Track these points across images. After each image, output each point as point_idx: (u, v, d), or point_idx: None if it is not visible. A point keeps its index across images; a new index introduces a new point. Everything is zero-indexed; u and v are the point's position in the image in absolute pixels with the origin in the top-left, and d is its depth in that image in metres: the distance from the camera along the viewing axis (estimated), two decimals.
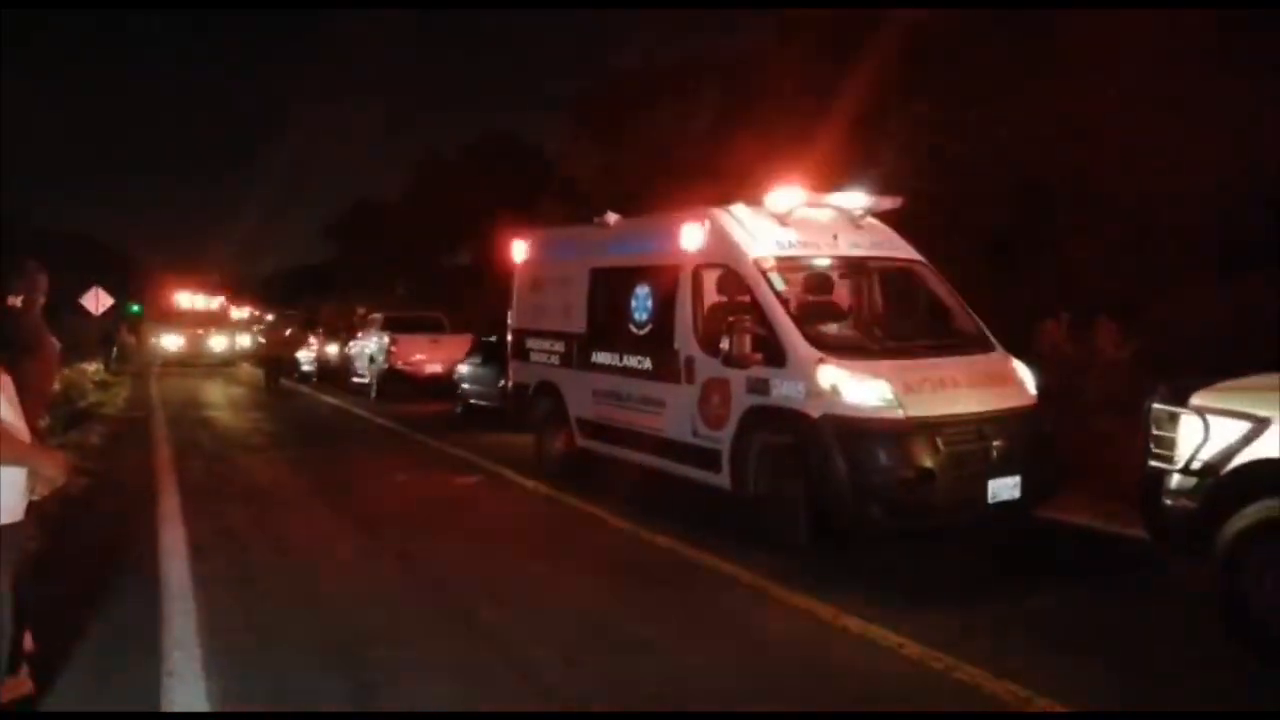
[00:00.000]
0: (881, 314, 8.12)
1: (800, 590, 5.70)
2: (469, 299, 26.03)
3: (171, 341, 34.76)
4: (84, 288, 24.18)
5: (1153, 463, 5.02)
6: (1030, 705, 4.12)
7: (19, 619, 3.88)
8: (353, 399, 19.31)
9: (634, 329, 8.28)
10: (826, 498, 6.29)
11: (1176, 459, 4.88)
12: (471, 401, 14.93)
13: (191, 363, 32.73)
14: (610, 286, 8.79)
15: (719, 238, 7.49)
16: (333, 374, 23.17)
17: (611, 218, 9.05)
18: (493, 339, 14.39)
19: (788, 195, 7.47)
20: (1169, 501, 4.92)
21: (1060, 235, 12.40)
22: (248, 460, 11.35)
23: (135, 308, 40.13)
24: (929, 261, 7.97)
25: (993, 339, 7.35)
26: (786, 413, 6.56)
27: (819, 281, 7.66)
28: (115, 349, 29.25)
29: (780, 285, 7.15)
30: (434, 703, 4.20)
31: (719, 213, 7.64)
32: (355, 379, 20.99)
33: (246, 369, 31.10)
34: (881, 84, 14.36)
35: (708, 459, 7.29)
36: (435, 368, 18.08)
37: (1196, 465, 4.78)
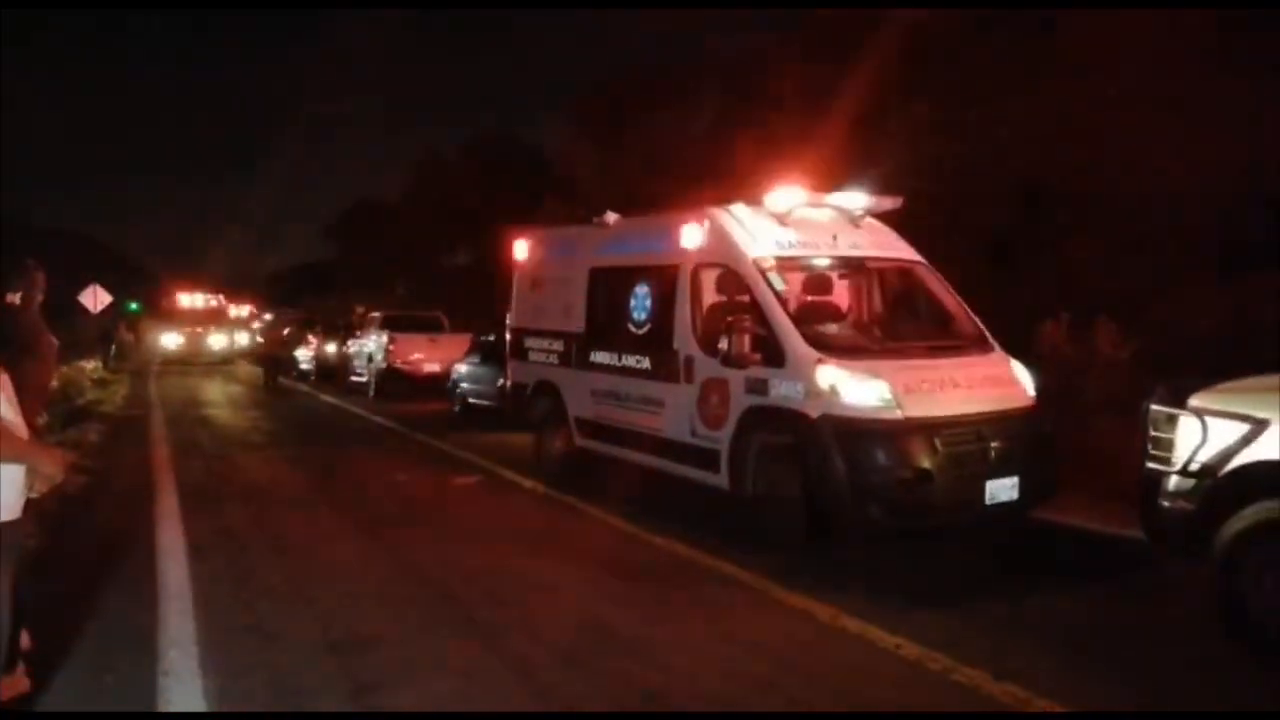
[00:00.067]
0: (880, 314, 8.12)
1: (799, 590, 5.70)
2: (468, 298, 26.03)
3: (170, 340, 34.77)
4: (82, 286, 24.16)
5: (1151, 464, 5.02)
6: (1029, 706, 4.12)
7: (17, 617, 3.88)
8: (351, 398, 19.30)
9: (633, 329, 8.28)
10: (825, 498, 6.29)
11: (1175, 460, 4.88)
12: (470, 401, 14.94)
13: (190, 361, 32.72)
14: (609, 286, 8.78)
15: (718, 237, 7.48)
16: (331, 373, 23.17)
17: (611, 217, 9.04)
18: (491, 338, 14.39)
19: (787, 195, 7.46)
20: (1167, 503, 4.92)
21: (1060, 235, 12.41)
22: (246, 459, 11.34)
23: (134, 305, 40.14)
24: (928, 262, 7.97)
25: (992, 340, 7.35)
26: (785, 413, 6.56)
27: (818, 282, 7.66)
28: (114, 347, 29.24)
29: (779, 285, 7.14)
30: (433, 703, 4.20)
31: (718, 212, 7.64)
32: (354, 378, 20.99)
33: (245, 367, 31.08)
34: (881, 84, 14.37)
35: (706, 459, 7.28)
36: (433, 367, 18.09)
37: (1195, 467, 4.78)
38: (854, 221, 7.80)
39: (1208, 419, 4.74)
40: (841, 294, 8.04)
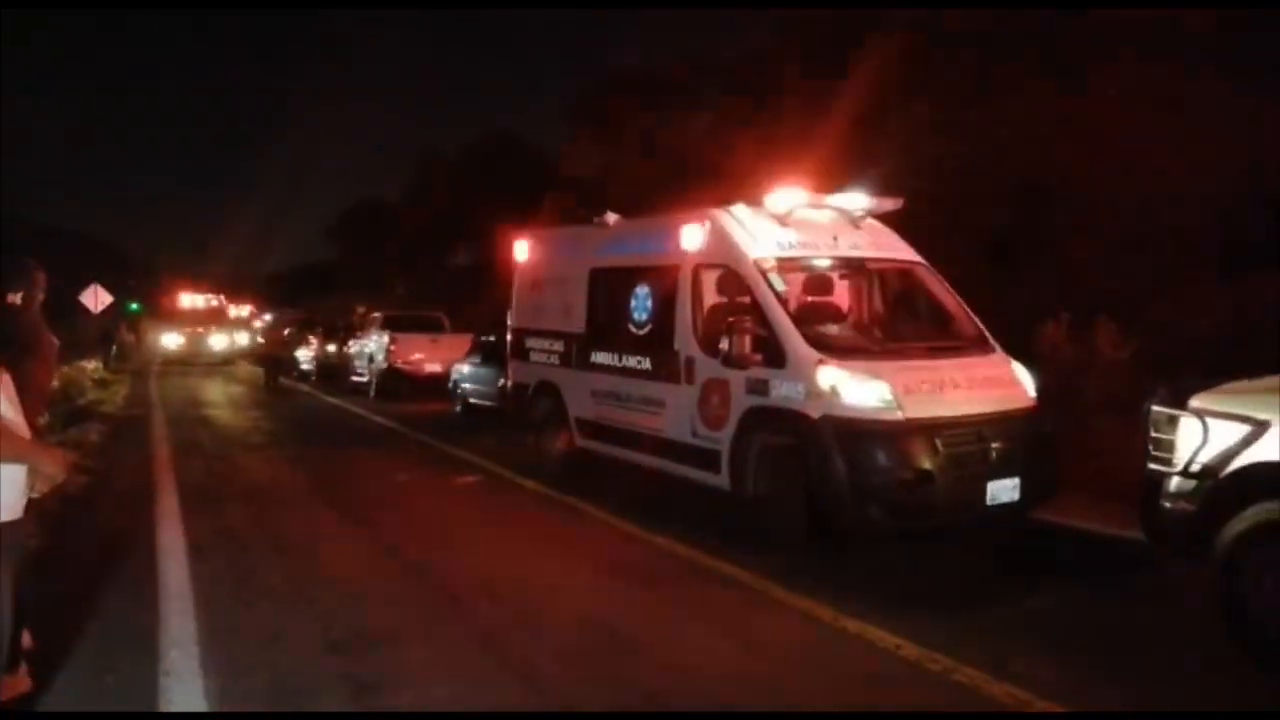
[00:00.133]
0: (881, 315, 8.12)
1: (799, 591, 5.70)
2: (469, 298, 26.03)
3: (171, 340, 34.79)
4: (83, 286, 24.17)
5: (1152, 465, 5.01)
6: (1030, 707, 4.12)
7: (18, 617, 3.88)
8: (352, 398, 19.31)
9: (634, 329, 8.28)
10: (826, 498, 6.29)
11: (1175, 461, 4.87)
12: (471, 401, 14.94)
13: (191, 361, 32.73)
14: (610, 286, 8.79)
15: (719, 238, 7.48)
16: (332, 373, 23.18)
17: (611, 218, 9.05)
18: (492, 339, 14.40)
19: (788, 196, 7.47)
20: (1168, 504, 4.92)
21: (1060, 235, 12.40)
22: (247, 459, 11.34)
23: (134, 306, 40.17)
24: (929, 262, 7.97)
25: (992, 340, 7.35)
26: (786, 413, 6.56)
27: (819, 282, 7.66)
28: (114, 347, 29.25)
29: (780, 286, 7.14)
30: (433, 703, 4.20)
31: (719, 213, 7.64)
32: (354, 378, 21.00)
33: (246, 368, 31.08)
34: (881, 84, 14.37)
35: (707, 459, 7.28)
36: (434, 367, 18.09)
37: (1195, 468, 4.77)
38: (854, 222, 7.80)
39: (1209, 420, 4.73)
40: (842, 295, 8.04)
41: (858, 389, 6.29)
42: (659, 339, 7.91)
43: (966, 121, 13.45)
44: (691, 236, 7.68)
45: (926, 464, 6.09)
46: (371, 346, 20.07)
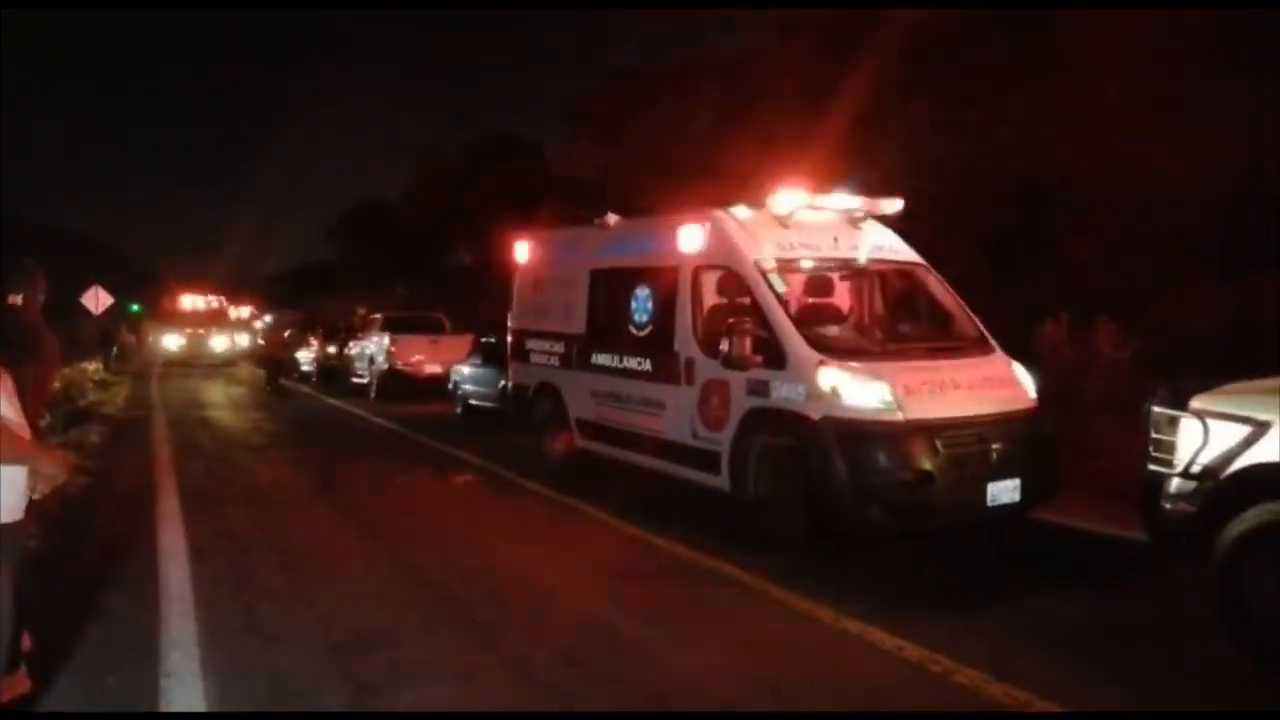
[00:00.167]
0: (881, 316, 8.12)
1: (800, 592, 5.70)
2: (468, 299, 26.03)
3: (172, 341, 34.76)
4: (84, 287, 24.18)
5: (1152, 466, 5.01)
6: (1030, 707, 4.12)
7: (18, 618, 3.88)
8: (352, 399, 19.31)
9: (634, 330, 8.28)
10: (826, 500, 6.29)
11: (1176, 462, 4.87)
12: (471, 402, 14.95)
13: (192, 362, 32.71)
14: (610, 288, 8.79)
15: (719, 239, 7.48)
16: (332, 374, 23.19)
17: (612, 219, 9.05)
18: (492, 340, 14.40)
19: (788, 197, 7.46)
20: (1168, 505, 4.91)
21: (1060, 235, 12.40)
22: (248, 460, 11.35)
23: (135, 307, 40.15)
24: (928, 262, 7.97)
25: (992, 341, 7.35)
26: (786, 415, 6.56)
27: (819, 283, 7.66)
28: (115, 348, 29.25)
29: (780, 287, 7.14)
30: (433, 703, 4.20)
31: (719, 214, 7.64)
32: (355, 379, 21.00)
33: (246, 369, 31.08)
34: (881, 84, 14.36)
35: (707, 461, 7.28)
36: (435, 368, 18.09)
37: (1196, 469, 4.77)
38: (855, 223, 7.80)
39: (1209, 421, 4.73)
40: (842, 296, 8.04)
41: (858, 390, 6.29)
42: (659, 340, 7.91)
43: (966, 121, 13.44)
44: (692, 237, 7.68)
45: (927, 465, 6.09)
46: (372, 348, 20.07)
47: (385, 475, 10.26)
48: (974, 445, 6.29)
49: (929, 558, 6.65)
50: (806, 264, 7.56)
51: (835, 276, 7.83)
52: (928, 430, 6.19)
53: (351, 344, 21.95)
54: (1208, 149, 10.95)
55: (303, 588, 5.93)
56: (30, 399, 4.01)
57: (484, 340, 15.22)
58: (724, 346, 6.92)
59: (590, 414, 8.87)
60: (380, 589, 5.93)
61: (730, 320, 6.95)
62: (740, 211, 7.65)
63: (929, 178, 12.84)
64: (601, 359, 8.68)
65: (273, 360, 23.40)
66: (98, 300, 24.14)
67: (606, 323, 8.76)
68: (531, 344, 9.95)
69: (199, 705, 4.16)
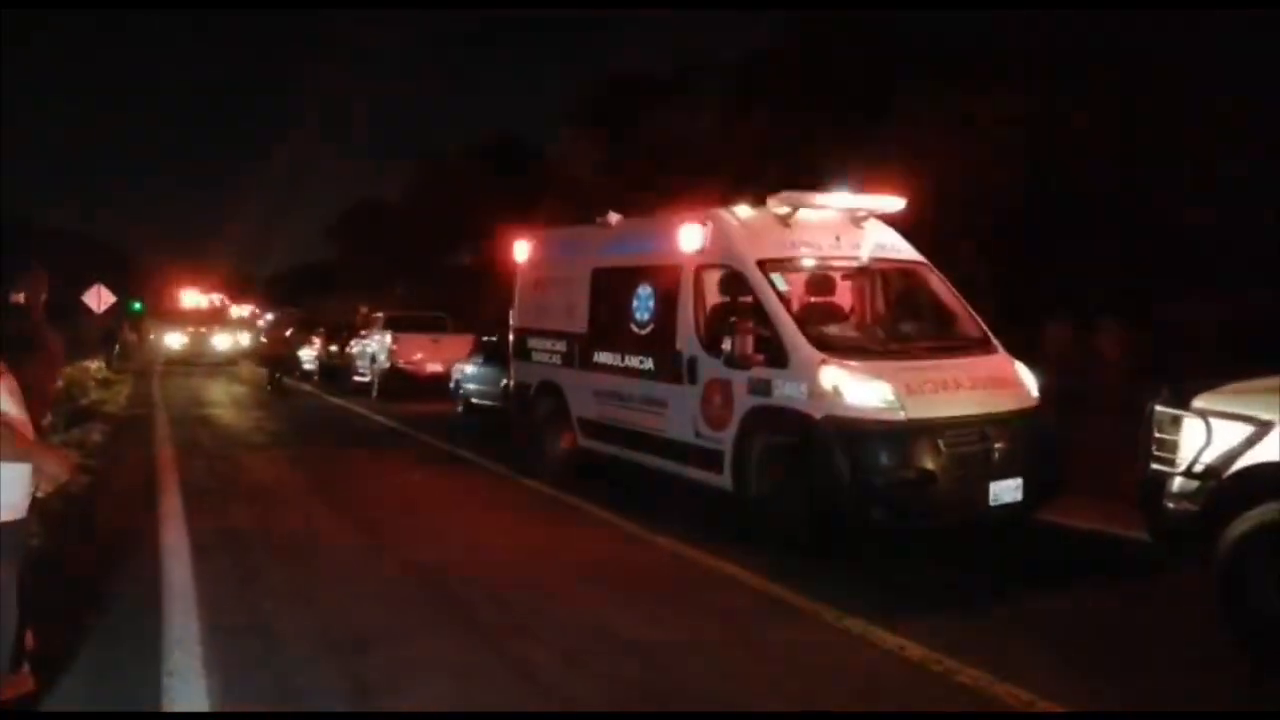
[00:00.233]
0: (883, 315, 8.11)
1: (801, 591, 5.69)
2: (469, 298, 26.04)
3: (174, 340, 34.77)
4: (85, 286, 24.18)
5: (1155, 465, 5.01)
6: (1032, 707, 4.12)
7: (21, 616, 3.88)
8: (354, 398, 19.32)
9: (636, 329, 8.28)
10: (828, 499, 6.29)
11: (1179, 462, 4.87)
12: (473, 401, 14.95)
13: (193, 361, 32.70)
14: (612, 287, 8.79)
15: (721, 238, 7.48)
16: (334, 373, 23.19)
17: (613, 218, 9.05)
18: (494, 339, 14.41)
19: (790, 196, 7.47)
20: (1171, 504, 4.91)
21: (1061, 235, 12.41)
22: (249, 458, 11.35)
23: (137, 306, 40.16)
24: (930, 261, 7.97)
25: (995, 340, 7.35)
26: (788, 413, 6.56)
27: (821, 282, 7.65)
28: (117, 347, 29.25)
29: (782, 286, 7.15)
30: (434, 703, 4.20)
31: (721, 213, 7.64)
32: (357, 378, 21.02)
33: (248, 368, 31.09)
34: (882, 84, 14.38)
35: (709, 459, 7.28)
36: (436, 367, 18.12)
37: (1199, 469, 4.76)
38: (856, 222, 7.80)
39: (1212, 420, 4.73)
40: (844, 295, 8.03)
41: (860, 389, 6.29)
42: (661, 339, 7.91)
43: (967, 121, 13.45)
44: (693, 237, 7.68)
45: (929, 464, 6.09)
46: (374, 347, 20.09)
47: (387, 474, 10.27)
48: (976, 444, 6.29)
49: (931, 557, 6.64)
50: (808, 263, 7.55)
51: (837, 275, 7.83)
52: (930, 429, 6.19)
53: (353, 343, 21.98)
54: (1208, 149, 10.96)
55: (304, 586, 5.93)
56: (33, 398, 4.01)
57: (485, 339, 15.24)
58: (726, 345, 6.93)
59: (592, 413, 8.87)
60: (382, 588, 5.93)
61: (732, 319, 6.95)
62: (742, 210, 7.65)
63: (930, 178, 12.85)
64: (603, 358, 8.69)
65: (274, 359, 23.38)
66: (100, 299, 24.15)
67: (608, 322, 8.76)
68: (533, 343, 9.96)
69: (201, 704, 4.16)
